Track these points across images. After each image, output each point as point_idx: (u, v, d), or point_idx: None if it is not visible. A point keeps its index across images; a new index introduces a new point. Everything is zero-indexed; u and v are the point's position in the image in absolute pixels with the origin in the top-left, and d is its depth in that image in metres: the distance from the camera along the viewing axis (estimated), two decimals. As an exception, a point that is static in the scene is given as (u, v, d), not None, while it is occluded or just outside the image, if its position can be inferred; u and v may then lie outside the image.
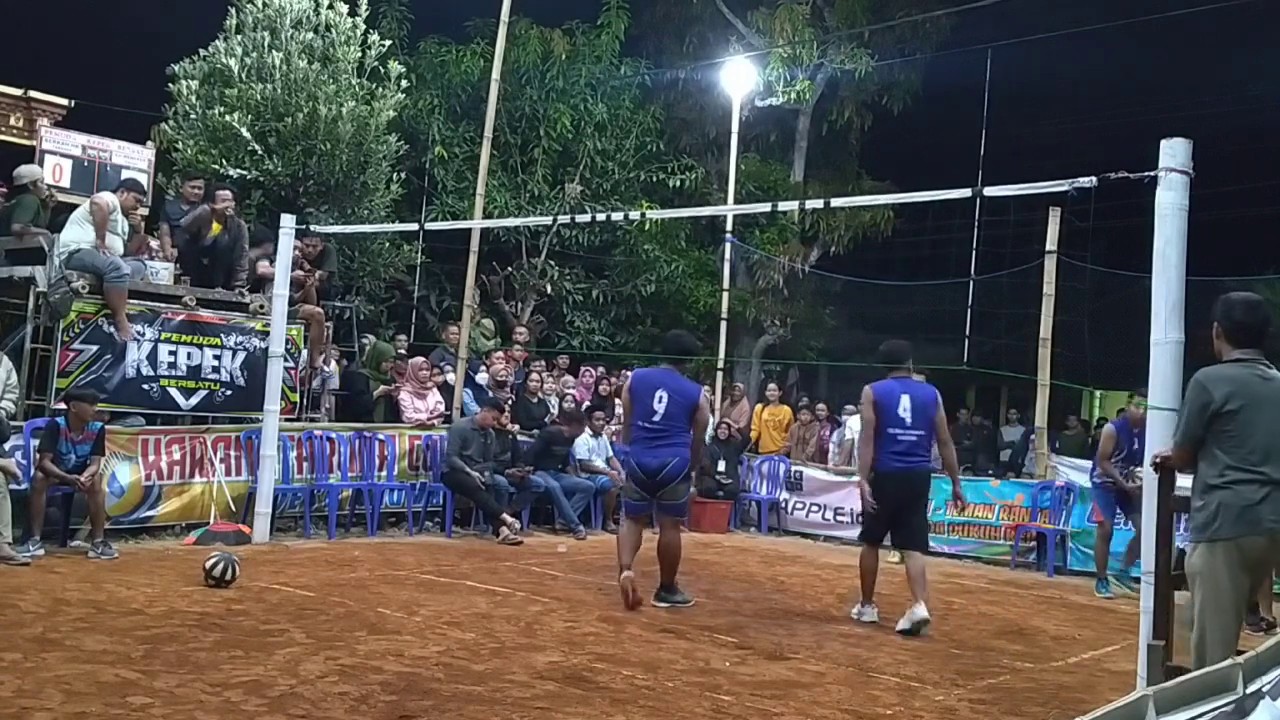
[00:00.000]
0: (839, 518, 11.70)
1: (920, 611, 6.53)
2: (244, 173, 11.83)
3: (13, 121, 11.53)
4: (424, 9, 16.88)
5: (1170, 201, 5.13)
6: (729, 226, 15.20)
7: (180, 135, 12.14)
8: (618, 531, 7.63)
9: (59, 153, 10.72)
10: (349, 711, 4.17)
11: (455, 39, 16.90)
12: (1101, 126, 19.68)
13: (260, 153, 11.87)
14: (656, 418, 6.84)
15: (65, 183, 10.56)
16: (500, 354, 12.23)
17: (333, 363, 10.83)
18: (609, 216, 12.56)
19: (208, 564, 6.54)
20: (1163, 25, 14.50)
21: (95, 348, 8.29)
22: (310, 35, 12.31)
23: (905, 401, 6.68)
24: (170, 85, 12.28)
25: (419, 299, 16.32)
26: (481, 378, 11.61)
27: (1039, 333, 11.02)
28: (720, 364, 14.39)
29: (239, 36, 12.18)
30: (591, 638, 5.84)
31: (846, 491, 11.69)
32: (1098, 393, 18.68)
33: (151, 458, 8.45)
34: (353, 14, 12.70)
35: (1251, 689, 1.50)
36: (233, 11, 12.30)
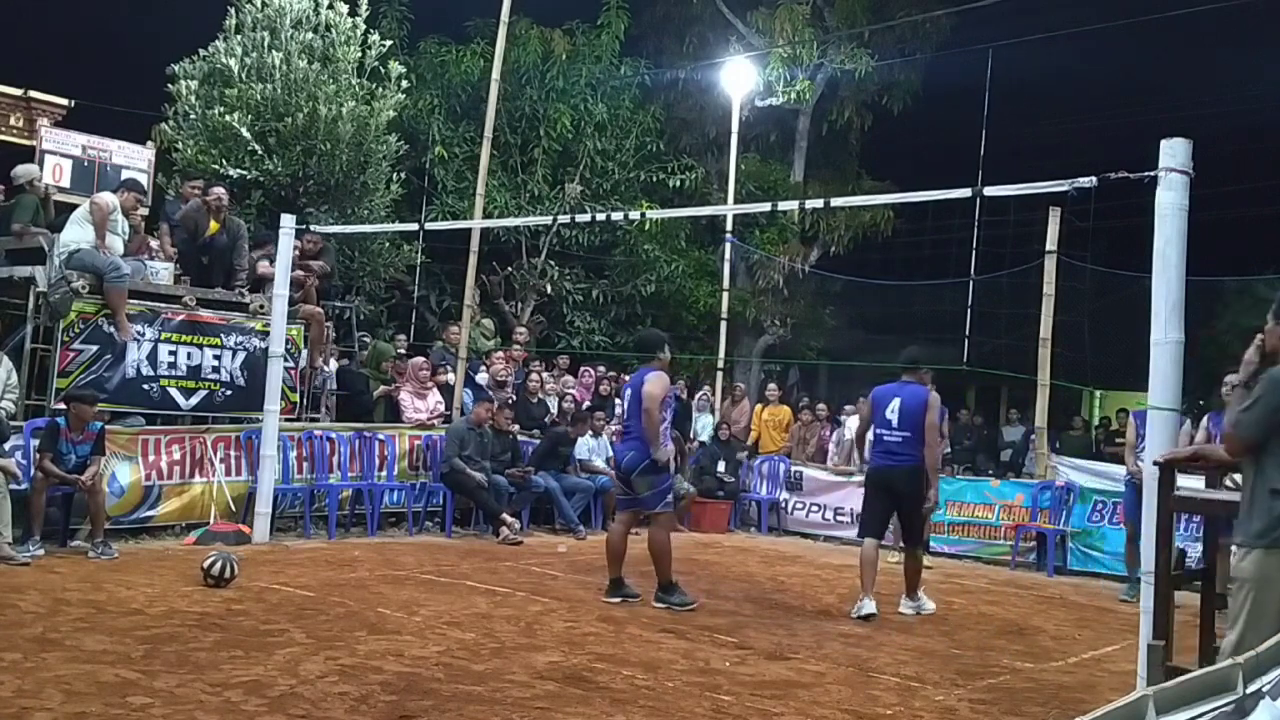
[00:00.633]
0: (839, 518, 11.70)
1: (905, 605, 7.17)
2: (244, 173, 11.84)
3: (13, 121, 11.55)
4: (424, 9, 16.92)
5: (1170, 201, 5.13)
6: (729, 226, 15.20)
7: (180, 135, 12.15)
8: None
9: (59, 153, 10.73)
10: (349, 711, 4.17)
11: (455, 39, 16.93)
12: (1101, 126, 19.70)
13: (260, 153, 11.88)
14: (626, 416, 7.14)
15: (65, 183, 10.57)
16: (500, 354, 12.23)
17: (332, 361, 10.83)
18: (609, 216, 12.56)
19: (206, 563, 6.53)
20: (1163, 25, 14.52)
21: (95, 348, 8.29)
22: (310, 35, 12.33)
23: (895, 404, 7.08)
24: (170, 85, 12.28)
25: (419, 299, 16.33)
26: (481, 378, 11.61)
27: (1039, 333, 11.01)
28: (720, 364, 14.40)
29: (239, 36, 12.19)
30: (591, 638, 5.84)
31: (846, 491, 11.69)
32: (1098, 393, 18.69)
33: (151, 458, 8.44)
34: (353, 14, 12.70)
35: (1251, 689, 1.50)
36: (232, 11, 12.31)
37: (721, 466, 12.11)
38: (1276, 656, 1.60)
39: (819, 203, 9.13)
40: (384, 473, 9.92)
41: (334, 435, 9.69)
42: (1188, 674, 1.52)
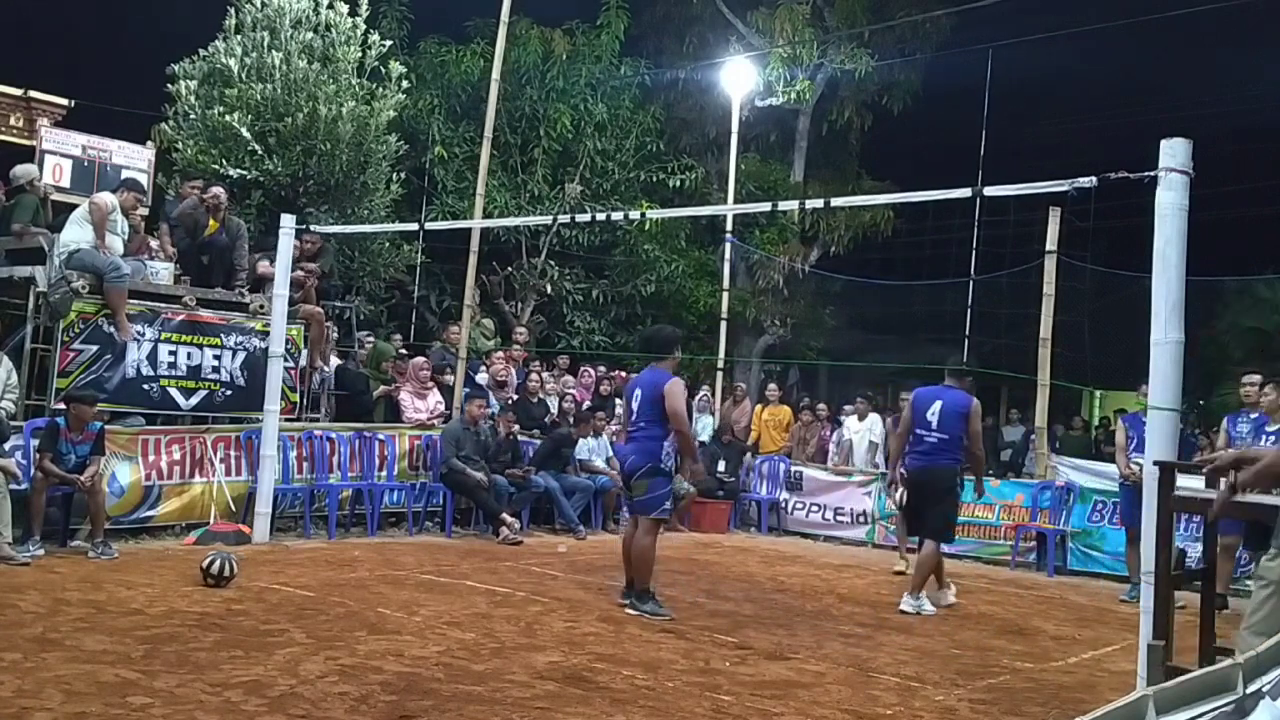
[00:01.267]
0: (839, 518, 11.71)
1: (905, 601, 7.30)
2: (244, 173, 11.84)
3: (13, 121, 11.54)
4: (424, 9, 16.92)
5: (1170, 201, 5.12)
6: (729, 226, 15.21)
7: (180, 135, 12.15)
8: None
9: (59, 153, 10.72)
10: (349, 711, 4.17)
11: (455, 39, 16.93)
12: (1101, 126, 19.71)
13: (260, 153, 11.88)
14: (632, 416, 6.92)
15: (65, 183, 10.56)
16: (500, 354, 12.23)
17: (333, 359, 10.83)
18: (609, 216, 12.56)
19: (205, 563, 6.53)
20: (1163, 25, 14.52)
21: (95, 348, 8.29)
22: (310, 35, 12.32)
23: (936, 407, 7.35)
24: (170, 85, 12.28)
25: (419, 299, 16.33)
26: (481, 378, 11.61)
27: (1039, 333, 11.01)
28: (720, 364, 14.40)
29: (239, 36, 12.18)
30: (591, 638, 5.84)
31: (846, 492, 11.71)
32: (1098, 393, 18.69)
33: (151, 458, 8.44)
34: (353, 14, 12.70)
35: (1251, 689, 1.50)
36: (232, 11, 12.30)
37: (722, 466, 12.11)
38: (1276, 656, 1.59)
39: (819, 203, 9.14)
40: (384, 473, 9.91)
41: (334, 435, 9.69)
42: (1188, 674, 1.52)
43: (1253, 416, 7.99)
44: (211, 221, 9.59)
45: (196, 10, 13.65)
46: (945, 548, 10.50)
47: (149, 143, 12.09)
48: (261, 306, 9.37)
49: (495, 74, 11.81)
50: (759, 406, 13.64)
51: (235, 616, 5.70)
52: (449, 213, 15.61)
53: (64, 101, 11.89)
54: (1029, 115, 19.41)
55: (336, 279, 11.96)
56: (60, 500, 7.55)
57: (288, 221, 8.92)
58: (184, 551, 7.90)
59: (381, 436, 9.99)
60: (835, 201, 9.90)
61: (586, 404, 11.95)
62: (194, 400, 8.96)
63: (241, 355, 9.23)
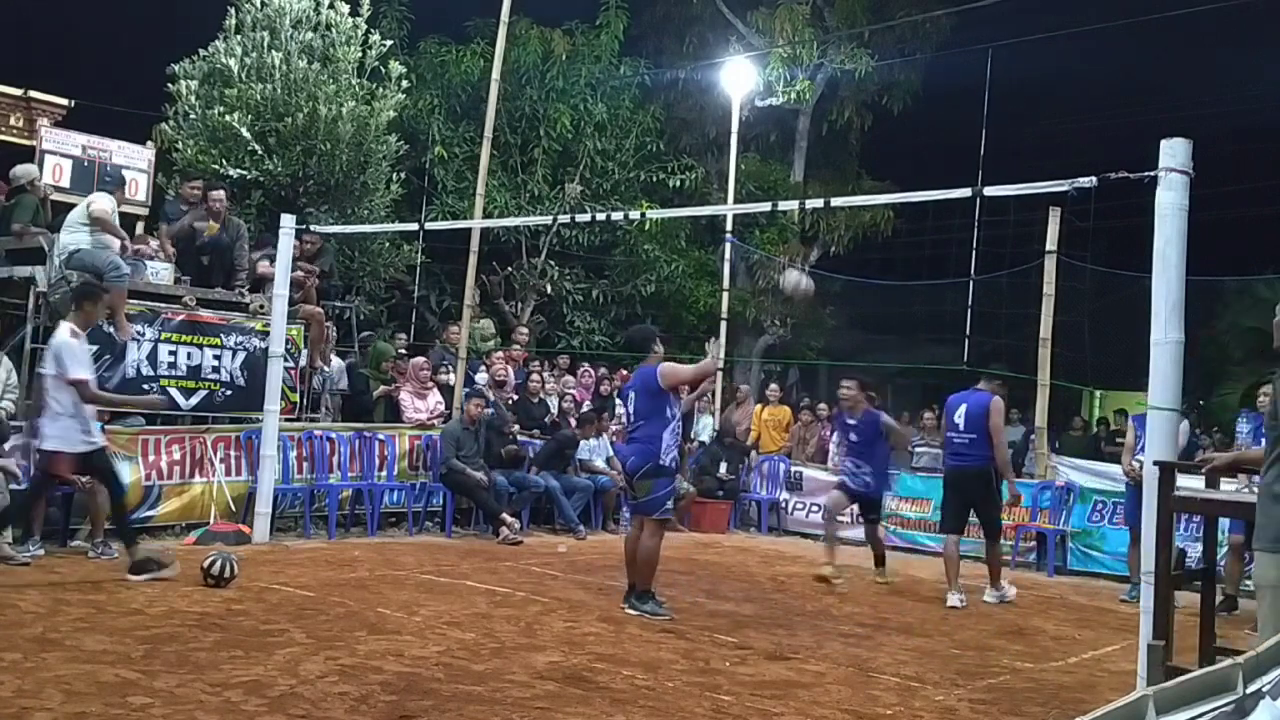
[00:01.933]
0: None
1: (987, 594, 7.94)
2: (244, 173, 11.83)
3: (13, 121, 11.52)
4: (424, 9, 16.90)
5: (1170, 201, 5.13)
6: (729, 226, 15.19)
7: (180, 135, 12.14)
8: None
9: (59, 153, 10.70)
10: (349, 711, 4.17)
11: (455, 39, 16.91)
12: (1101, 126, 19.72)
13: (260, 153, 11.87)
14: (630, 418, 6.95)
15: (65, 183, 10.54)
16: (500, 354, 12.22)
17: (335, 360, 10.82)
18: (609, 216, 12.54)
19: (205, 563, 6.54)
20: (1163, 25, 14.52)
21: (95, 348, 8.26)
22: (310, 35, 12.31)
23: (962, 410, 7.86)
24: (170, 85, 12.27)
25: (419, 299, 16.32)
26: (481, 378, 11.61)
27: (1039, 333, 11.02)
28: (720, 364, 14.37)
29: (239, 36, 12.17)
30: (591, 638, 5.84)
31: (846, 492, 11.68)
32: (1098, 393, 18.69)
33: (151, 458, 8.44)
34: (353, 14, 12.68)
35: (1251, 689, 1.50)
36: (232, 11, 12.29)
37: (722, 468, 12.11)
38: (1276, 656, 1.60)
39: (819, 203, 9.13)
40: (384, 473, 9.92)
41: (334, 435, 9.69)
42: (1188, 674, 1.52)
43: (1253, 415, 8.03)
44: (211, 222, 9.58)
45: (196, 10, 13.65)
46: (941, 548, 10.56)
47: (149, 143, 12.05)
48: (261, 306, 9.37)
49: (495, 74, 11.81)
50: (759, 406, 13.64)
51: (235, 616, 5.70)
52: (449, 213, 15.60)
53: (64, 101, 11.86)
54: (1029, 115, 19.42)
55: (336, 279, 11.94)
56: (60, 500, 7.55)
57: (288, 221, 8.92)
58: (184, 551, 7.86)
59: (381, 436, 9.99)
60: (835, 201, 9.89)
61: (587, 404, 11.94)
62: (194, 400, 8.96)
63: (241, 355, 9.23)
